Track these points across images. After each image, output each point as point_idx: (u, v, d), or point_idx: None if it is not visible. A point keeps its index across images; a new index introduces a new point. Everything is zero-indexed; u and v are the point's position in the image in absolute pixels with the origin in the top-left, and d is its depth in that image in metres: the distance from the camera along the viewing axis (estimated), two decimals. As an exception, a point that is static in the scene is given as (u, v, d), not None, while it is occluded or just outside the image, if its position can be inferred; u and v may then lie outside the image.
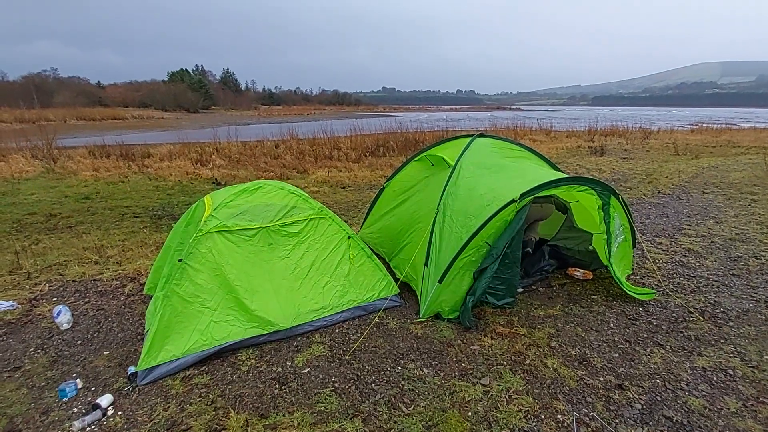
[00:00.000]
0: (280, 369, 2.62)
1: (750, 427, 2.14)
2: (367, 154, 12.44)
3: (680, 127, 24.64)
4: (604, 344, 2.90)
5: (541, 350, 2.81)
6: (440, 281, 3.16)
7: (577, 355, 2.76)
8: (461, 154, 3.87)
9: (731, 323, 3.14)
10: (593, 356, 2.75)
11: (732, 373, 2.57)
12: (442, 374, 2.57)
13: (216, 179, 9.26)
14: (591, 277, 3.94)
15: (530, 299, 3.57)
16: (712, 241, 4.97)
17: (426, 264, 3.34)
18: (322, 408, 2.28)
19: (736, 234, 5.20)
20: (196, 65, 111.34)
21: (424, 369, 2.62)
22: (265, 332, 2.81)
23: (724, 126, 24.38)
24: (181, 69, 73.47)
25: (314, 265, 3.22)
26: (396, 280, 3.55)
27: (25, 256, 4.56)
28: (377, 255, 4.52)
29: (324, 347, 2.85)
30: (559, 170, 4.28)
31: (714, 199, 7.07)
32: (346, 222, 6.09)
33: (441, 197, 3.53)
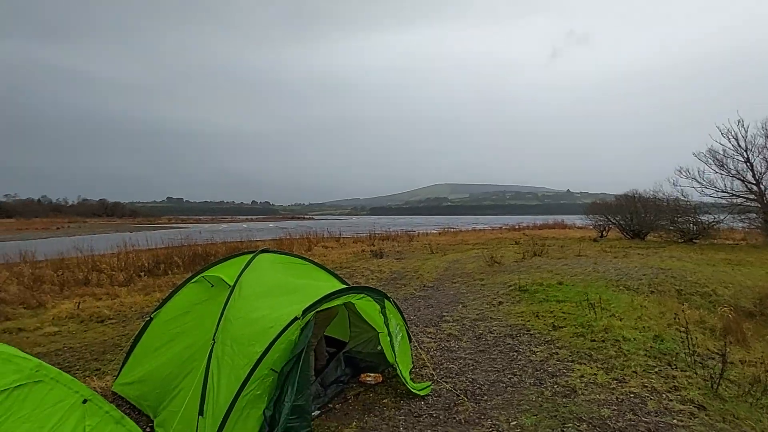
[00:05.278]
0: None
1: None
2: (142, 274, 10.37)
3: (432, 231, 32.06)
4: (398, 453, 2.91)
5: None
6: (219, 434, 2.59)
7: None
8: (241, 273, 3.64)
9: (486, 397, 3.76)
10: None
11: (493, 446, 2.97)
12: None
13: None
14: (381, 380, 4.10)
15: (327, 421, 3.35)
16: (463, 324, 6.16)
17: (201, 413, 2.72)
18: None
19: (477, 314, 6.67)
20: None
21: None
22: None
23: (457, 229, 33.17)
24: None
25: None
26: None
27: None
28: (140, 413, 3.45)
29: None
30: (342, 280, 4.58)
31: (460, 287, 9.05)
32: (99, 370, 4.55)
33: (218, 324, 3.12)
